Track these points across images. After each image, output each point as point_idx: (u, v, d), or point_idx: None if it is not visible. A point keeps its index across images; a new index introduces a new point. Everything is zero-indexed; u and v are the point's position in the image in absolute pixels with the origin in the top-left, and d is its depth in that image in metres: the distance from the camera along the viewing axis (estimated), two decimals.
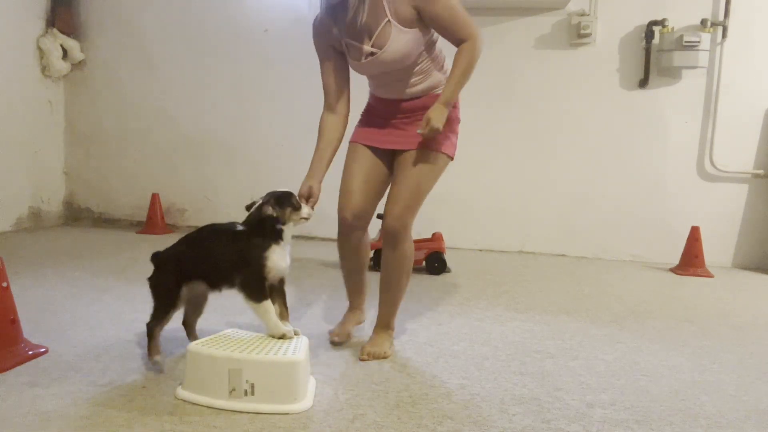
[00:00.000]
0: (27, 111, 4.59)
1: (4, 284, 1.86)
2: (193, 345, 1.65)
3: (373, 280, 2.31)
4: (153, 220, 4.66)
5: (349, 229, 2.17)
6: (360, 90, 2.26)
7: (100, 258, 3.56)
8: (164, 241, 4.55)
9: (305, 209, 1.90)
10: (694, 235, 3.88)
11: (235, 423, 1.51)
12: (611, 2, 4.15)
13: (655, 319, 2.68)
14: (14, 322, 1.89)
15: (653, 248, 4.23)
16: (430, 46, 2.05)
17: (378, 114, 2.19)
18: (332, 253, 4.09)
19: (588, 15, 4.15)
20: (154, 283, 1.88)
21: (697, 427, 1.59)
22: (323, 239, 4.65)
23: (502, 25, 4.28)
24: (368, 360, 2.02)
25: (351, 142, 2.22)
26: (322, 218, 4.64)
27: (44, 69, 4.70)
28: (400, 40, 1.94)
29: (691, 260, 3.85)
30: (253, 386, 1.57)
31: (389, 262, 2.08)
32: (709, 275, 3.74)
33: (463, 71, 1.97)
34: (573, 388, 1.83)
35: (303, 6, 4.52)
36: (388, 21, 1.93)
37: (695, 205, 4.17)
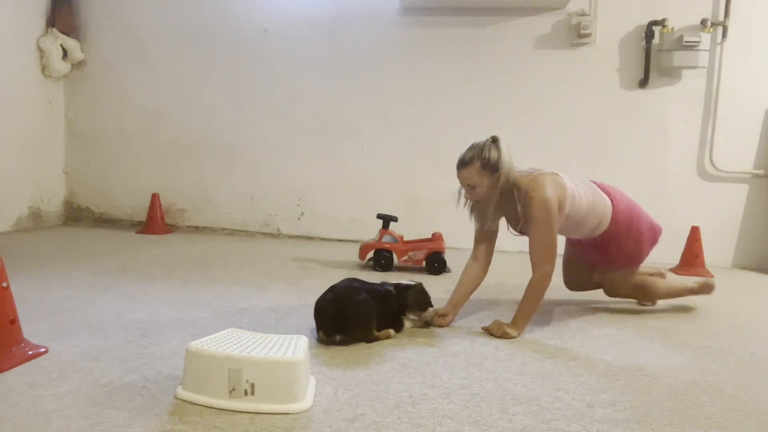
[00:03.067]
0: (27, 111, 4.59)
1: (4, 284, 1.85)
2: (193, 345, 1.65)
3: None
4: (153, 220, 4.66)
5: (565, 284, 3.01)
6: None
7: (100, 258, 3.56)
8: (164, 241, 4.56)
9: (427, 314, 2.40)
10: (694, 235, 3.88)
11: (235, 423, 1.51)
12: (611, 2, 4.15)
13: (655, 319, 2.68)
14: (14, 322, 1.89)
15: (653, 248, 4.23)
16: (573, 218, 2.53)
17: None
18: (332, 252, 4.11)
19: (588, 15, 4.15)
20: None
21: (697, 427, 1.59)
22: (323, 239, 4.66)
23: (502, 25, 4.28)
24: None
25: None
26: (322, 219, 4.67)
27: (44, 69, 4.70)
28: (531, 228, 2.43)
29: (691, 260, 3.85)
30: (253, 386, 1.57)
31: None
32: (709, 275, 3.74)
33: (530, 305, 2.41)
34: (573, 388, 1.83)
35: (303, 6, 4.52)
36: (525, 221, 2.46)
37: (695, 205, 4.17)
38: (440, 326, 2.42)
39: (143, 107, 4.86)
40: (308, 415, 1.57)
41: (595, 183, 2.74)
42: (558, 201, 2.39)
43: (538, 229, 2.36)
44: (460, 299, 2.53)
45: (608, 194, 2.66)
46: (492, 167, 2.39)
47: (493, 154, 2.39)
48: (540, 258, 2.38)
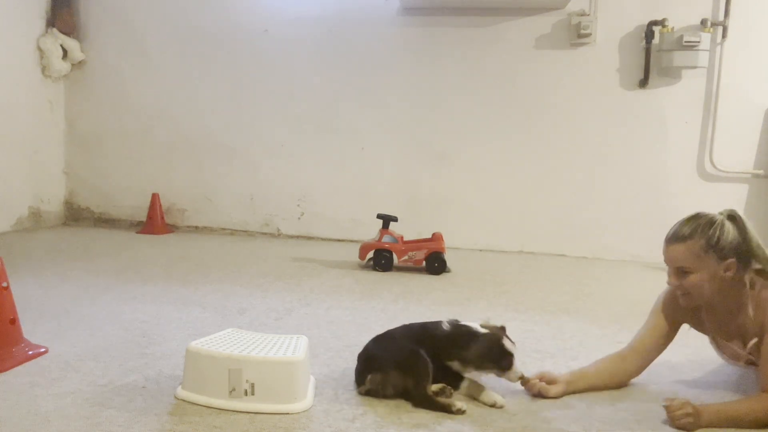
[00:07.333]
0: (27, 111, 4.59)
1: (4, 284, 1.86)
2: (193, 345, 1.65)
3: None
4: (153, 220, 4.66)
5: None
6: None
7: (100, 258, 3.56)
8: (164, 241, 4.56)
9: (513, 374, 1.72)
10: None
11: (235, 423, 1.51)
12: (611, 2, 4.14)
13: None
14: (14, 322, 1.89)
15: (653, 248, 4.20)
16: None
17: None
18: (332, 252, 4.11)
19: (588, 15, 4.14)
20: None
21: None
22: (323, 239, 4.65)
23: (502, 25, 4.28)
24: None
25: None
26: (322, 219, 4.67)
27: (44, 69, 4.70)
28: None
29: None
30: (253, 386, 1.57)
31: None
32: None
33: (736, 412, 1.63)
34: None
35: (303, 6, 4.52)
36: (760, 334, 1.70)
37: (695, 205, 4.12)
38: (540, 395, 1.74)
39: (143, 107, 4.85)
40: (308, 415, 1.57)
41: None
42: None
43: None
44: (582, 380, 1.83)
45: None
46: (722, 252, 1.71)
47: (729, 235, 1.74)
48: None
